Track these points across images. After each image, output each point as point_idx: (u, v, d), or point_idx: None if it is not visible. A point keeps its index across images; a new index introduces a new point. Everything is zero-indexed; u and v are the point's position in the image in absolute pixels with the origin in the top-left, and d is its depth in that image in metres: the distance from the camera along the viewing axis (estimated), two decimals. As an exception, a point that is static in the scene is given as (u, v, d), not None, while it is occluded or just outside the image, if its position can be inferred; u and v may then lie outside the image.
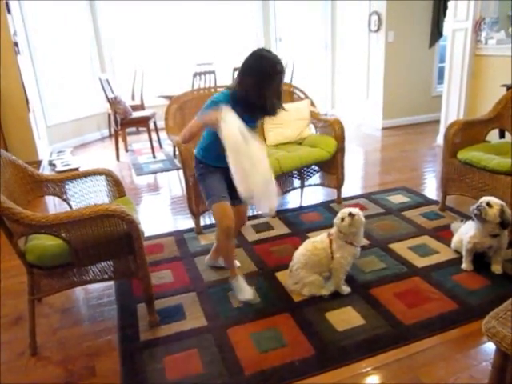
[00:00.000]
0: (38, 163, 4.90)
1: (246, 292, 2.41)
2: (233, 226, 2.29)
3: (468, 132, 3.27)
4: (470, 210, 2.54)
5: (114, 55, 6.84)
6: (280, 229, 3.29)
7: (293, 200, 3.91)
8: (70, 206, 2.58)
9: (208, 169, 2.39)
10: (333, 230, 2.43)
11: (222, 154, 2.11)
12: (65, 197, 2.59)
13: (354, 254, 2.41)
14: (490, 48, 4.62)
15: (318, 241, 2.44)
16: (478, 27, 4.66)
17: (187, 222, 3.49)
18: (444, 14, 6.11)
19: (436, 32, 6.26)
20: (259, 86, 2.13)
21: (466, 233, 2.63)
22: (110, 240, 2.07)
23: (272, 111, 2.27)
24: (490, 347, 1.95)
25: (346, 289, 2.43)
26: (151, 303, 2.22)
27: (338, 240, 2.38)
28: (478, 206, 2.46)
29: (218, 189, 2.33)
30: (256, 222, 3.44)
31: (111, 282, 2.68)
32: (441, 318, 2.21)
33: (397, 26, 6.05)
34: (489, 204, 2.44)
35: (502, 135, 3.98)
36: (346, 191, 3.88)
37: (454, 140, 3.22)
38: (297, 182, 3.75)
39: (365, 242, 2.75)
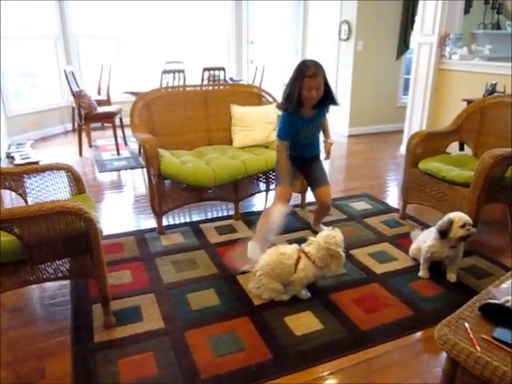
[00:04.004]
0: (-5, 155, 4.71)
1: (253, 253, 2.72)
2: (283, 208, 2.80)
3: (429, 143, 3.37)
4: (436, 225, 2.56)
5: (81, 48, 6.66)
6: (243, 231, 3.29)
7: (257, 203, 3.91)
8: (26, 201, 2.49)
9: None
10: (308, 249, 2.39)
11: (295, 144, 2.85)
12: (21, 191, 2.49)
13: (316, 274, 2.40)
14: (453, 63, 4.78)
15: (285, 254, 2.38)
16: (442, 42, 4.81)
17: (149, 222, 3.43)
18: (412, 27, 6.28)
19: (403, 44, 6.44)
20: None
21: (423, 241, 2.69)
22: (66, 238, 2.00)
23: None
24: (443, 353, 2.00)
25: (305, 294, 2.44)
26: (107, 304, 2.16)
27: (306, 260, 2.36)
28: (452, 226, 2.45)
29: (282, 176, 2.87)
30: (219, 223, 3.42)
31: (67, 281, 2.59)
32: (397, 323, 2.25)
33: (366, 35, 6.18)
34: (453, 222, 2.46)
35: (461, 148, 4.11)
36: (311, 196, 3.90)
37: (416, 150, 3.30)
38: (262, 186, 3.74)
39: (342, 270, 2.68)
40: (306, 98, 2.66)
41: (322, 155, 3.09)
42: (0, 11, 5.39)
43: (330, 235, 2.38)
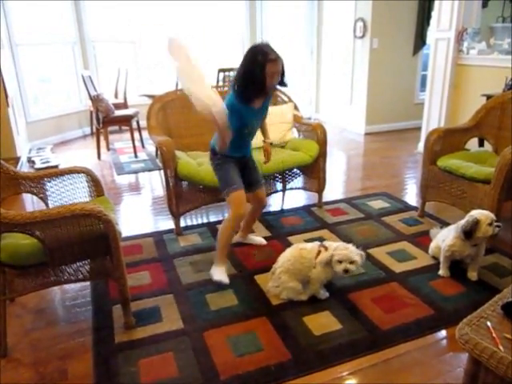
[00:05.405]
0: (16, 160, 4.80)
1: (221, 276, 2.58)
2: (245, 213, 2.61)
3: (448, 140, 3.32)
4: (456, 222, 2.53)
5: (98, 52, 6.75)
6: (260, 232, 3.28)
7: (274, 203, 3.91)
8: (47, 205, 2.53)
9: (224, 159, 2.60)
10: (328, 243, 2.41)
11: (238, 143, 2.53)
12: (42, 195, 2.54)
13: (333, 274, 2.38)
14: (471, 58, 4.70)
15: (306, 249, 2.41)
16: (460, 37, 4.73)
17: (167, 223, 3.46)
18: (428, 23, 6.20)
19: (419, 40, 6.35)
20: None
21: (443, 240, 2.65)
22: (85, 240, 2.03)
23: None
24: (464, 353, 1.97)
25: (324, 293, 2.43)
26: (127, 305, 2.19)
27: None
28: (495, 225, 2.39)
29: (234, 179, 2.57)
30: (237, 224, 3.43)
31: (87, 283, 2.64)
32: (417, 323, 2.22)
33: (381, 33, 6.12)
34: (479, 221, 2.39)
35: (481, 144, 4.04)
36: (327, 195, 3.89)
37: (434, 147, 3.26)
38: (279, 185, 3.74)
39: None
40: (268, 84, 2.42)
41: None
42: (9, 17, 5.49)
43: (347, 249, 2.30)
